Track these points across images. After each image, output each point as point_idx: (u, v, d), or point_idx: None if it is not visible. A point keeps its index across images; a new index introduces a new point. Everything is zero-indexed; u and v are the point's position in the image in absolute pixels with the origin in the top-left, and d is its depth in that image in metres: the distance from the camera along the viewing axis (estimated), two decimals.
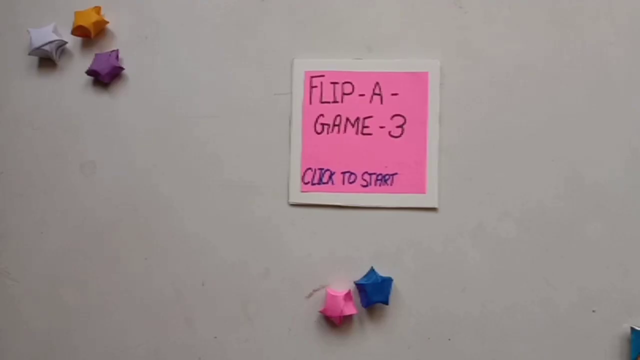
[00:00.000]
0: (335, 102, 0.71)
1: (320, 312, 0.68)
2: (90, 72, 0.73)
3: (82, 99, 0.74)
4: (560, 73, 0.70)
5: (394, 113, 0.71)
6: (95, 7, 0.74)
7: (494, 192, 0.69)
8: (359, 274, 0.69)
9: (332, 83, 0.72)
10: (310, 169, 0.71)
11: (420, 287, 0.69)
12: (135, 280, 0.71)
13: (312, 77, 0.72)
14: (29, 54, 0.73)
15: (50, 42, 0.72)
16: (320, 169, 0.71)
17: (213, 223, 0.71)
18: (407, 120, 0.71)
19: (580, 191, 0.68)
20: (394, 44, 0.72)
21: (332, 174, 0.71)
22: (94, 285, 0.72)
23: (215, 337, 0.70)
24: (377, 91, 0.71)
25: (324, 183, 0.71)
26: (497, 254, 0.69)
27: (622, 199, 0.68)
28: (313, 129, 0.71)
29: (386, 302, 0.68)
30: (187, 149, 0.72)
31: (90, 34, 0.72)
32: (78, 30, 0.73)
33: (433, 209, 0.69)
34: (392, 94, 0.71)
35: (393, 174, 0.70)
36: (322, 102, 0.72)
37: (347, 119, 0.71)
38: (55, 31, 0.73)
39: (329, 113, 0.71)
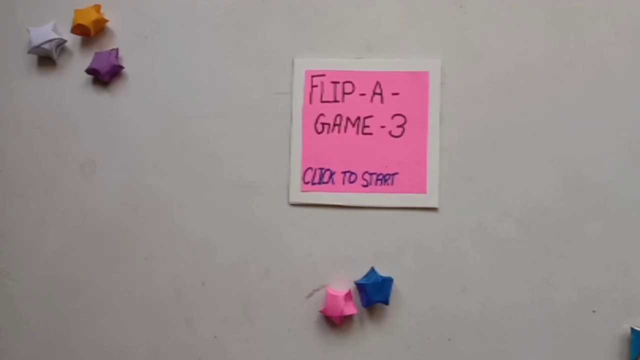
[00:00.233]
0: (335, 101, 0.71)
1: (321, 312, 0.68)
2: (90, 71, 0.73)
3: (81, 98, 0.74)
4: (560, 73, 0.70)
5: (395, 113, 0.71)
6: (95, 5, 0.74)
7: (494, 192, 0.69)
8: (359, 274, 0.69)
9: (332, 82, 0.71)
10: (310, 168, 0.71)
11: (421, 287, 0.69)
12: (135, 280, 0.71)
13: (312, 76, 0.72)
14: (29, 53, 0.73)
15: (50, 40, 0.72)
16: (321, 169, 0.71)
17: (213, 223, 0.71)
18: (407, 120, 0.71)
19: (580, 191, 0.68)
20: (395, 43, 0.72)
21: (332, 173, 0.71)
22: (94, 285, 0.72)
23: (215, 337, 0.70)
24: (377, 91, 0.71)
25: (324, 183, 0.71)
26: (497, 254, 0.69)
27: (622, 199, 0.68)
28: (313, 128, 0.71)
29: (386, 302, 0.68)
30: (187, 149, 0.72)
31: (90, 32, 0.72)
32: (78, 29, 0.72)
33: (433, 209, 0.69)
34: (393, 94, 0.71)
35: (393, 174, 0.70)
36: (323, 102, 0.71)
37: (348, 119, 0.71)
38: (54, 30, 0.73)
39: (330, 112, 0.71)
